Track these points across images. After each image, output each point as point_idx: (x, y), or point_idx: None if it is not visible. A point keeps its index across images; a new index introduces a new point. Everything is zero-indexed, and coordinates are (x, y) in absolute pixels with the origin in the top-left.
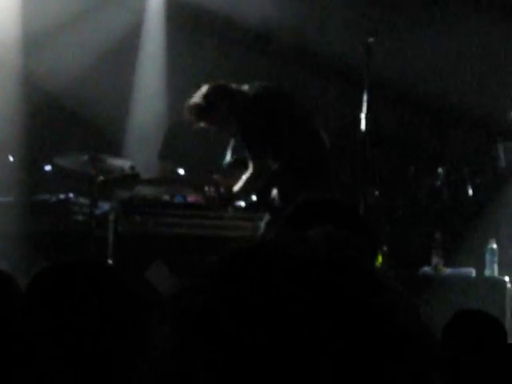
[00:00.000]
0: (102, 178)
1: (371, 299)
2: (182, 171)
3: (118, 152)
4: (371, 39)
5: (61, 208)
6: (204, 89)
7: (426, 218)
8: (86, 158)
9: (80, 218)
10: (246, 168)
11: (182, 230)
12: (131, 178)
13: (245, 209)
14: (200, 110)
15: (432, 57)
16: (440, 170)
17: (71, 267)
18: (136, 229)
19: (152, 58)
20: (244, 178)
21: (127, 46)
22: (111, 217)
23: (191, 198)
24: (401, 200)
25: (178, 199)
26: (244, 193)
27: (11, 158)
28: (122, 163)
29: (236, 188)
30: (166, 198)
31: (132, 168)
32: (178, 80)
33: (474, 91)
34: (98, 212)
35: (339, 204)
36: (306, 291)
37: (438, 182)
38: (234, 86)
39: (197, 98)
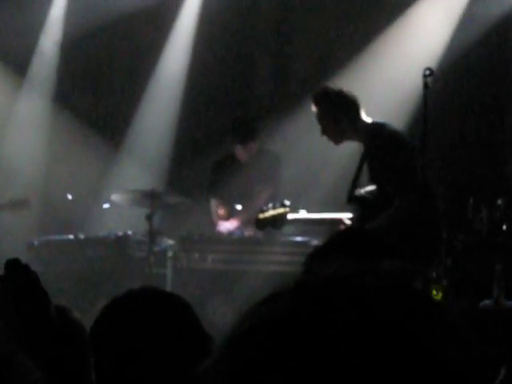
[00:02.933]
0: (259, 218)
1: (428, 335)
2: (239, 207)
3: (177, 188)
4: (428, 70)
5: (119, 245)
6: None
7: (486, 250)
8: (142, 194)
9: (138, 254)
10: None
11: (240, 266)
12: (283, 217)
13: (298, 243)
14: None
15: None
16: (500, 201)
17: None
18: (194, 265)
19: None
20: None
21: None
22: (169, 253)
23: (249, 233)
24: (461, 233)
25: (236, 234)
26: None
27: (70, 197)
28: (179, 198)
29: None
30: (224, 233)
31: (284, 205)
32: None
33: None
34: (156, 248)
35: (368, 237)
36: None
37: (498, 214)
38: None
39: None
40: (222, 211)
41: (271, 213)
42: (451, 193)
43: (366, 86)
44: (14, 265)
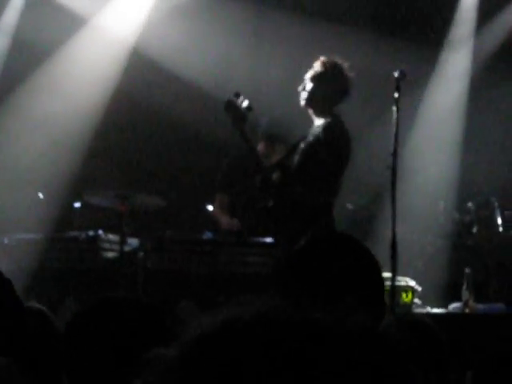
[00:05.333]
0: (230, 99)
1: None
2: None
3: (149, 188)
4: (400, 73)
5: (90, 245)
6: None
7: (456, 253)
8: (114, 194)
9: (109, 254)
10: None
11: (212, 267)
12: (243, 118)
13: (267, 245)
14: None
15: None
16: (470, 204)
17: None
18: (165, 266)
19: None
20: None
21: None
22: (140, 254)
23: (224, 226)
24: (431, 236)
25: (206, 236)
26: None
27: (41, 195)
28: (151, 200)
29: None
30: (196, 235)
31: (249, 108)
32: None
33: None
34: (127, 249)
35: (349, 241)
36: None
37: (468, 217)
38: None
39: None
40: (224, 210)
41: (241, 108)
42: (420, 197)
43: None
44: None
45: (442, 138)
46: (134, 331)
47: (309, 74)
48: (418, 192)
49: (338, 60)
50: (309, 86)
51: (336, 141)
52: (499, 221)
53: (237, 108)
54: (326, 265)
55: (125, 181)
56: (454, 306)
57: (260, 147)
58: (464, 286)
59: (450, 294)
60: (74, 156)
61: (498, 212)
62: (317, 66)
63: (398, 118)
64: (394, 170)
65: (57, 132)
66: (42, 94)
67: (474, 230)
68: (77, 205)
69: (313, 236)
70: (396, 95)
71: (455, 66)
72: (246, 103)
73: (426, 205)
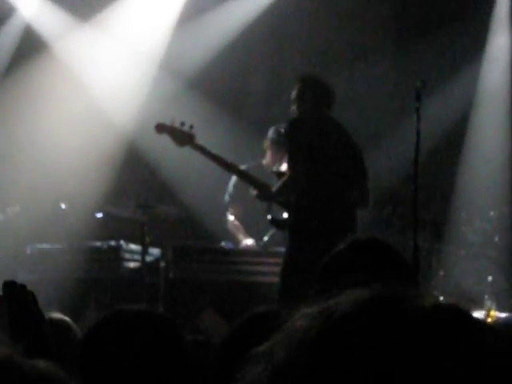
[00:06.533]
0: (160, 122)
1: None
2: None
3: (170, 199)
4: (419, 83)
5: (112, 255)
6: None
7: (478, 262)
8: (135, 204)
9: (131, 264)
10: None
11: (232, 277)
12: (187, 136)
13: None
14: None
15: None
16: (492, 213)
17: (130, 318)
18: (187, 275)
19: None
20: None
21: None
22: (162, 264)
23: (242, 245)
24: (454, 245)
25: (227, 245)
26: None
27: (63, 206)
28: (172, 210)
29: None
30: (217, 245)
31: (191, 127)
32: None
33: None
34: (148, 259)
35: (386, 245)
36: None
37: (490, 226)
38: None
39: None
40: (238, 224)
41: (177, 127)
42: (443, 204)
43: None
44: (10, 286)
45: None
46: (146, 343)
47: (292, 95)
48: (440, 202)
49: (313, 74)
50: (293, 106)
51: (291, 132)
52: None
53: (173, 129)
54: (367, 266)
55: (145, 191)
56: (476, 315)
57: (268, 155)
58: (486, 295)
59: (473, 302)
60: (98, 167)
61: None
62: (296, 86)
63: (418, 127)
64: (415, 179)
65: (80, 142)
66: (68, 101)
67: (496, 239)
68: (98, 215)
69: (352, 239)
70: (417, 105)
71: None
72: (187, 125)
73: (446, 213)
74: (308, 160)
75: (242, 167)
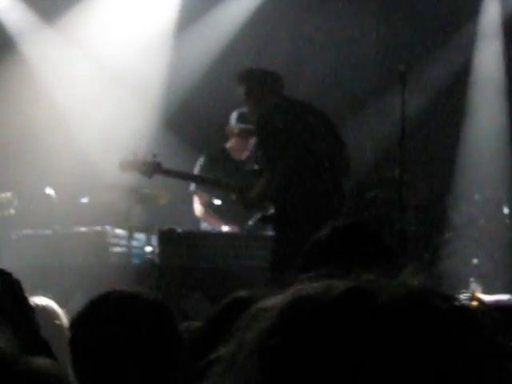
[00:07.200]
0: (120, 159)
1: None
2: (217, 202)
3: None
4: (403, 67)
5: (98, 240)
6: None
7: (463, 244)
8: (121, 189)
9: (117, 249)
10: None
11: (219, 261)
12: (152, 166)
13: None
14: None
15: None
16: (476, 196)
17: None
18: (173, 260)
19: None
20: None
21: None
22: (148, 248)
23: (227, 229)
24: (438, 228)
25: (214, 230)
26: (261, 197)
27: (48, 191)
28: (157, 192)
29: (253, 193)
30: (203, 229)
31: (154, 156)
32: None
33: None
34: (135, 243)
35: (367, 229)
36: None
37: (475, 209)
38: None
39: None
40: (206, 208)
41: (140, 160)
42: (429, 188)
43: None
44: None
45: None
46: (138, 325)
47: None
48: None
49: (248, 67)
50: (250, 106)
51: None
52: (505, 211)
53: (137, 163)
54: (348, 251)
55: (130, 177)
56: (462, 297)
57: (233, 142)
58: (471, 278)
59: (458, 285)
60: (82, 151)
61: (504, 204)
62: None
63: (403, 111)
64: (400, 161)
65: (67, 128)
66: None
67: (481, 222)
68: (84, 200)
69: (333, 225)
70: (402, 88)
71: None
72: (149, 154)
73: (432, 196)
74: (284, 154)
75: (201, 159)
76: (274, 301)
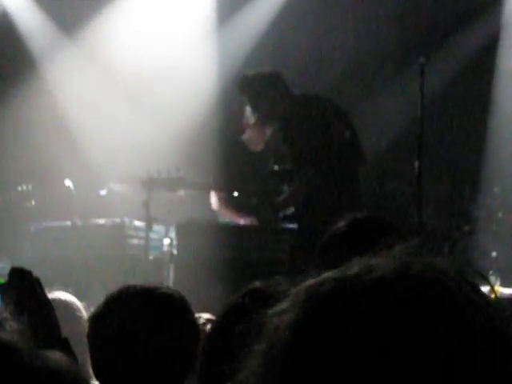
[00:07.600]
0: (146, 176)
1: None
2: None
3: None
4: (423, 59)
5: (116, 232)
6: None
7: (482, 237)
8: (139, 181)
9: (135, 241)
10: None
11: (237, 253)
12: (177, 181)
13: (290, 231)
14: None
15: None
16: (495, 189)
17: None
18: (192, 252)
19: None
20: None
21: None
22: (166, 240)
23: (245, 222)
24: (457, 220)
25: (233, 222)
26: (288, 201)
27: (67, 183)
28: (175, 184)
29: (282, 198)
30: (221, 220)
31: (178, 170)
32: None
33: None
34: (153, 235)
35: (384, 222)
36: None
37: (494, 202)
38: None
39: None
40: (223, 202)
41: (165, 177)
42: (448, 180)
43: None
44: (17, 273)
45: None
46: (153, 320)
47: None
48: (443, 178)
49: (247, 72)
50: (259, 113)
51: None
52: None
53: (162, 180)
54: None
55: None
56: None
57: (250, 134)
58: (490, 271)
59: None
60: (100, 144)
61: None
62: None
63: (422, 104)
64: (419, 155)
65: (83, 119)
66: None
67: (500, 214)
68: (103, 192)
69: (350, 218)
70: (420, 79)
71: None
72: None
73: (451, 189)
74: (313, 157)
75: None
76: (310, 284)
